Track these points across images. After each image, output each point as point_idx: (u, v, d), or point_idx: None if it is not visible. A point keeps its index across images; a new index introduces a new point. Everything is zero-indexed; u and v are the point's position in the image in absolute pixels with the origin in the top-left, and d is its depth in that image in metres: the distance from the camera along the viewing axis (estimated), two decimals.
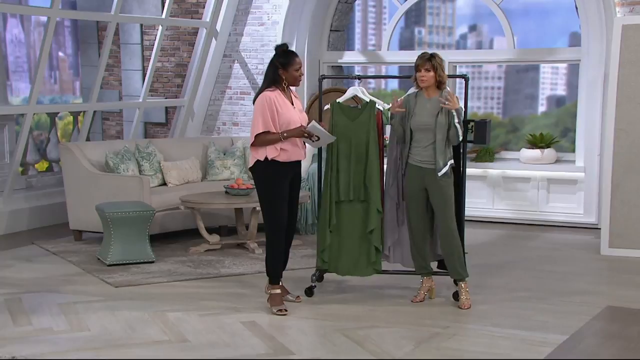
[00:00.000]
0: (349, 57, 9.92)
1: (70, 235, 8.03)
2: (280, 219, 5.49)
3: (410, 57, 9.73)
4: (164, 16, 9.44)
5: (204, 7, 9.83)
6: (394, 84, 11.67)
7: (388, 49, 9.68)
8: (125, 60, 10.55)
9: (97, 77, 8.98)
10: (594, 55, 8.38)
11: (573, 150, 8.92)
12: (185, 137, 9.80)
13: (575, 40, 9.28)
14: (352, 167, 5.82)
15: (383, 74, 10.78)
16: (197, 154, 8.75)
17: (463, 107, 5.63)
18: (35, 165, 9.65)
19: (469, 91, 5.96)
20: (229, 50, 9.88)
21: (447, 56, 9.04)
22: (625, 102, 7.29)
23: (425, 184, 5.60)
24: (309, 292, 5.91)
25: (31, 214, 8.58)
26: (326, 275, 6.27)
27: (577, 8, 8.55)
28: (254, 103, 5.46)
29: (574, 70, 9.30)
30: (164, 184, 8.31)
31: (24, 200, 8.61)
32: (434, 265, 5.94)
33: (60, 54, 12.57)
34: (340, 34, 10.12)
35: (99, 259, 7.04)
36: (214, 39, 9.77)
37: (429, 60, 5.52)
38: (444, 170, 5.51)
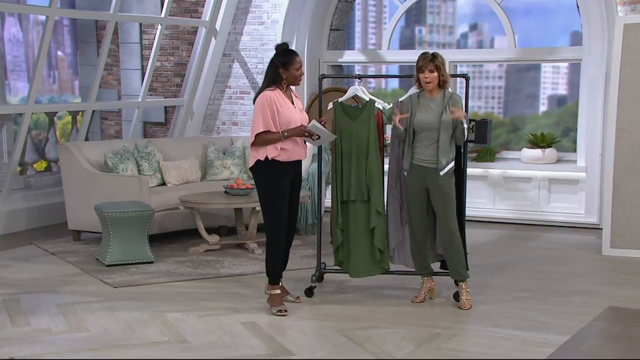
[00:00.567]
0: (349, 56, 9.90)
1: (69, 236, 8.01)
2: (281, 219, 5.46)
3: (411, 56, 9.75)
4: (163, 15, 9.41)
5: (203, 6, 9.81)
6: (394, 83, 11.65)
7: (388, 48, 9.66)
8: (124, 59, 10.52)
9: (96, 77, 8.96)
10: (595, 55, 8.35)
11: (574, 150, 8.90)
12: (185, 137, 9.77)
13: (576, 39, 9.25)
14: (353, 166, 5.80)
15: (383, 74, 10.76)
16: (196, 154, 8.73)
17: (463, 107, 5.60)
18: (34, 165, 9.63)
19: (470, 90, 5.94)
20: (228, 50, 9.86)
21: (448, 55, 9.01)
22: (626, 101, 7.27)
23: (427, 184, 5.58)
24: (309, 292, 5.88)
25: (29, 214, 8.55)
26: (326, 276, 6.25)
27: (578, 7, 8.53)
28: (254, 103, 5.44)
29: (575, 70, 9.28)
30: (163, 183, 8.28)
31: (22, 200, 8.58)
32: (435, 265, 5.92)
33: (59, 53, 12.54)
34: (341, 33, 10.09)
35: (97, 259, 7.01)
36: (213, 38, 9.74)
37: (432, 61, 5.50)
38: (446, 170, 5.49)
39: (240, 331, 5.10)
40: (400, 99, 5.95)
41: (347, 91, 6.25)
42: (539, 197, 8.76)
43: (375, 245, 5.78)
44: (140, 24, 10.34)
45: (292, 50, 5.52)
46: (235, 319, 5.33)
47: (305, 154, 5.59)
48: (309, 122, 5.47)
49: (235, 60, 9.85)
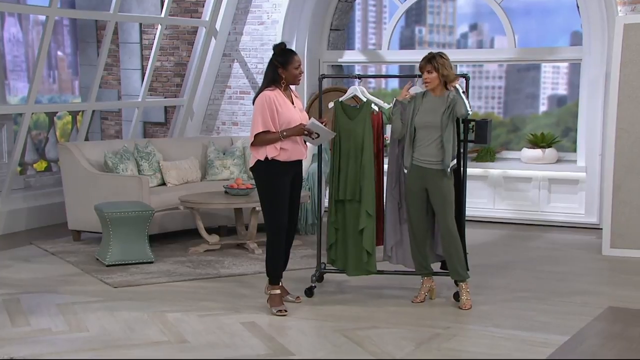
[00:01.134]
0: (349, 56, 9.90)
1: (69, 236, 8.01)
2: (281, 219, 5.46)
3: (411, 56, 9.78)
4: (163, 15, 9.41)
5: (203, 6, 9.81)
6: (394, 83, 11.65)
7: (388, 48, 9.66)
8: (124, 59, 10.52)
9: (96, 77, 8.96)
10: (595, 55, 8.35)
11: (574, 150, 8.90)
12: (185, 137, 9.77)
13: (576, 39, 9.25)
14: (350, 166, 5.80)
15: (383, 74, 10.76)
16: (196, 154, 8.73)
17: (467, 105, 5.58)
18: (34, 165, 9.62)
19: (470, 90, 5.94)
20: (228, 50, 9.86)
21: (448, 55, 9.00)
22: (626, 101, 7.26)
23: (426, 184, 5.58)
24: (309, 292, 5.88)
25: (29, 214, 8.55)
26: (326, 276, 6.25)
27: (578, 7, 8.53)
28: (253, 103, 5.44)
29: (575, 70, 9.28)
30: (163, 183, 8.28)
31: (22, 200, 8.58)
32: (435, 265, 5.91)
33: (59, 53, 12.54)
34: (341, 33, 10.09)
35: (97, 259, 7.01)
36: (213, 38, 9.74)
37: (430, 62, 5.51)
38: (451, 165, 5.48)
39: (240, 331, 5.09)
40: (400, 99, 5.96)
41: (347, 91, 6.25)
42: (539, 197, 8.75)
43: (363, 248, 5.77)
44: (140, 24, 10.34)
45: (291, 50, 5.51)
46: (235, 319, 5.33)
47: (305, 153, 5.59)
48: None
49: (235, 60, 9.85)
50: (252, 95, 9.19)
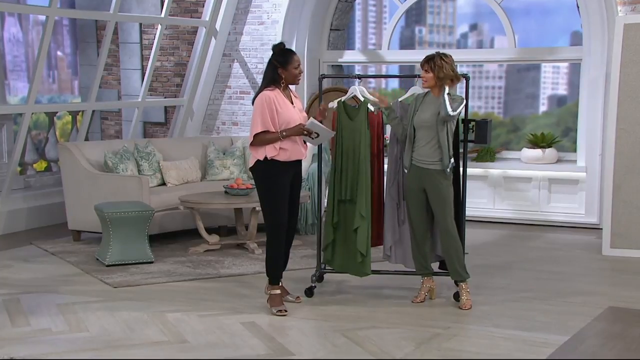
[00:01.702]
0: (349, 56, 9.90)
1: (69, 236, 8.00)
2: (281, 219, 5.46)
3: (411, 56, 9.78)
4: (163, 15, 9.41)
5: (203, 6, 9.81)
6: (394, 83, 11.64)
7: (388, 48, 9.66)
8: (124, 59, 10.52)
9: (96, 77, 8.96)
10: (595, 55, 8.35)
11: (574, 150, 8.90)
12: (185, 137, 9.77)
13: (576, 39, 9.25)
14: (349, 166, 5.80)
15: (383, 73, 10.76)
16: (196, 154, 8.72)
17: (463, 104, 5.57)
18: (34, 165, 9.61)
19: (470, 90, 5.94)
20: (228, 50, 9.86)
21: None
22: (627, 101, 7.26)
23: (424, 184, 5.58)
24: (309, 292, 5.88)
25: (29, 214, 8.55)
26: (326, 276, 6.25)
27: (578, 7, 8.53)
28: (253, 103, 5.44)
29: (575, 70, 9.28)
30: (163, 183, 8.28)
31: (22, 200, 8.58)
32: (435, 265, 5.91)
33: (59, 53, 12.53)
34: (341, 33, 10.09)
35: (97, 259, 7.01)
36: (213, 38, 9.74)
37: (428, 62, 5.52)
38: (450, 165, 5.48)
39: (240, 331, 5.09)
40: (400, 99, 5.96)
41: (347, 91, 6.25)
42: (539, 197, 8.75)
43: (357, 249, 5.77)
44: (140, 24, 10.34)
45: (290, 50, 5.50)
46: (235, 319, 5.33)
47: (305, 153, 5.59)
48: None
49: (235, 60, 9.84)
50: (252, 95, 9.18)
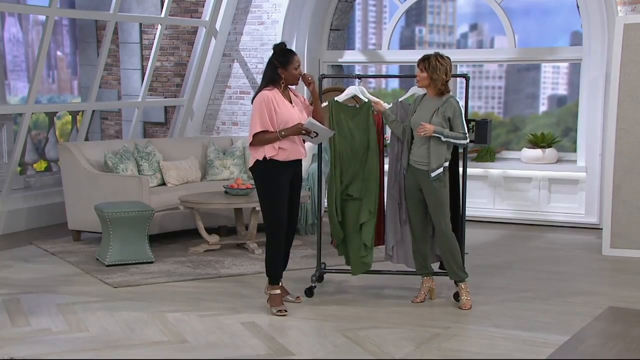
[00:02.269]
0: (349, 56, 9.90)
1: (69, 236, 8.00)
2: (281, 219, 5.46)
3: (411, 56, 9.77)
4: (163, 15, 9.41)
5: (203, 6, 9.80)
6: (394, 83, 11.65)
7: (388, 48, 9.65)
8: (124, 59, 10.52)
9: (96, 77, 8.96)
10: (595, 55, 8.35)
11: (574, 150, 8.90)
12: (185, 137, 9.77)
13: (576, 39, 9.26)
14: (351, 165, 5.80)
15: (383, 74, 10.76)
16: (196, 154, 8.72)
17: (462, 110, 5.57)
18: (34, 165, 9.61)
19: (470, 90, 5.94)
20: (228, 50, 9.86)
21: (448, 55, 8.99)
22: (627, 101, 7.26)
23: (420, 185, 5.58)
24: (309, 292, 5.88)
25: (29, 214, 8.55)
26: (326, 276, 6.25)
27: (578, 7, 8.53)
28: (252, 103, 5.44)
29: (575, 70, 9.28)
30: (163, 183, 8.28)
31: (22, 200, 8.58)
32: (435, 266, 5.91)
33: (59, 53, 12.53)
34: (341, 33, 10.09)
35: (97, 259, 7.01)
36: (213, 38, 9.74)
37: (423, 61, 5.51)
38: (435, 173, 5.48)
39: (240, 331, 5.09)
40: (400, 99, 5.97)
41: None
42: (539, 197, 8.75)
43: (362, 242, 5.79)
44: (140, 24, 10.34)
45: (291, 50, 5.50)
46: (235, 319, 5.33)
47: (304, 153, 5.58)
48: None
49: (235, 60, 9.84)
50: (252, 95, 9.19)
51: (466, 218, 5.97)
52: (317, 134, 5.41)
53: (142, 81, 9.78)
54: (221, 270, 6.74)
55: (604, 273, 6.79)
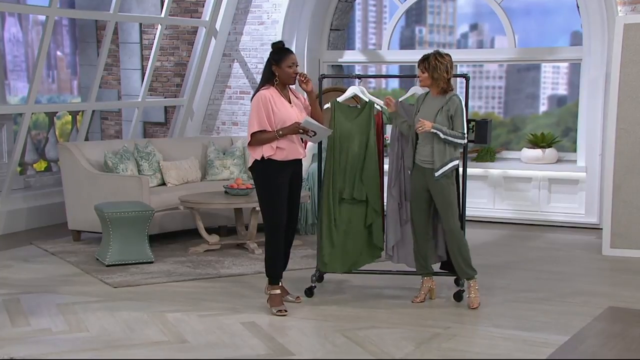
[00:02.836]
0: (349, 56, 9.90)
1: (69, 236, 8.00)
2: (279, 218, 5.45)
3: (411, 56, 9.77)
4: (163, 15, 9.41)
5: (203, 6, 9.80)
6: (394, 83, 11.65)
7: (388, 48, 9.65)
8: (124, 59, 10.52)
9: (96, 77, 8.96)
10: (595, 55, 8.35)
11: (574, 150, 8.90)
12: (185, 137, 9.77)
13: (576, 39, 9.25)
14: (351, 166, 5.79)
15: (383, 74, 10.76)
16: (196, 154, 8.72)
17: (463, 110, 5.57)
18: (34, 165, 9.61)
19: (470, 90, 5.94)
20: (228, 50, 9.86)
21: (448, 53, 8.99)
22: (627, 101, 7.26)
23: (427, 184, 5.58)
24: (309, 292, 5.88)
25: (29, 214, 8.55)
26: (326, 276, 6.24)
27: (578, 7, 8.53)
28: (251, 102, 5.45)
29: (575, 70, 9.28)
30: (163, 183, 8.28)
31: (22, 200, 8.58)
32: (436, 266, 5.91)
33: (59, 53, 12.53)
34: (341, 33, 10.09)
35: (97, 259, 7.01)
36: (213, 38, 9.74)
37: (423, 62, 5.51)
38: (441, 171, 5.48)
39: (240, 331, 5.09)
40: (400, 99, 5.97)
41: (346, 91, 6.24)
42: (539, 197, 8.75)
43: (369, 239, 5.81)
44: (140, 24, 10.34)
45: (286, 48, 5.46)
46: (235, 319, 5.33)
47: (303, 153, 5.56)
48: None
49: (235, 60, 9.84)
50: (252, 94, 9.19)
51: (466, 218, 5.98)
52: (315, 133, 5.40)
53: (142, 81, 9.78)
54: (221, 270, 6.74)
55: (604, 273, 6.79)
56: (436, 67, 5.45)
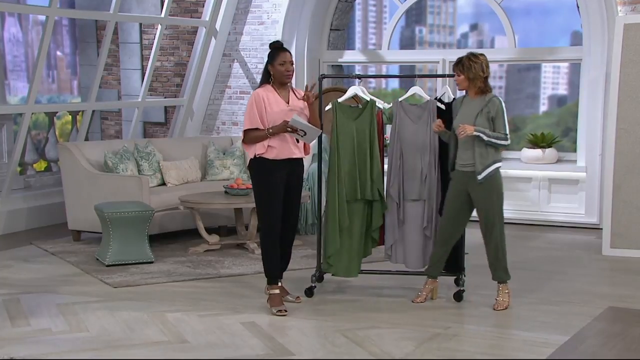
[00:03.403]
0: (349, 56, 9.89)
1: (69, 236, 8.00)
2: (272, 218, 5.45)
3: (411, 56, 9.78)
4: (163, 15, 9.41)
5: (203, 6, 9.81)
6: (394, 83, 11.65)
7: (388, 48, 9.65)
8: (124, 59, 10.52)
9: (96, 77, 8.96)
10: (595, 55, 8.35)
11: (574, 150, 8.90)
12: (185, 137, 9.77)
13: (576, 39, 9.26)
14: (355, 166, 5.79)
15: (383, 74, 10.76)
16: (196, 154, 8.72)
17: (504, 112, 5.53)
18: (34, 165, 9.61)
19: None
20: (228, 50, 9.86)
21: (448, 55, 9.02)
22: (627, 101, 7.26)
23: (467, 188, 5.52)
24: (309, 292, 5.88)
25: (29, 214, 8.55)
26: (326, 276, 6.24)
27: (578, 7, 8.53)
28: None
29: (575, 70, 9.28)
30: (163, 183, 8.28)
31: (22, 200, 8.58)
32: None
33: (59, 53, 12.53)
34: (341, 33, 10.09)
35: (97, 259, 7.01)
36: (213, 38, 9.74)
37: (457, 65, 5.46)
38: (483, 175, 5.43)
39: (240, 331, 5.09)
40: (400, 99, 5.96)
41: (347, 91, 6.24)
42: (539, 197, 8.75)
43: (368, 239, 5.85)
44: (140, 24, 10.34)
45: (280, 47, 5.46)
46: (235, 319, 5.33)
47: (299, 152, 5.53)
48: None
49: (235, 60, 9.85)
50: None
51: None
52: (306, 133, 5.38)
53: (142, 81, 9.78)
54: (221, 270, 6.74)
55: (604, 273, 6.79)
56: (471, 68, 5.40)
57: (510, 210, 8.84)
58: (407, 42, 11.23)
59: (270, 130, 5.34)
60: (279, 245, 5.55)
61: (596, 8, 8.24)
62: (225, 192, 7.53)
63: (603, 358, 4.67)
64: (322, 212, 6.21)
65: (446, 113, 5.77)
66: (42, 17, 8.60)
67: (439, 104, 5.83)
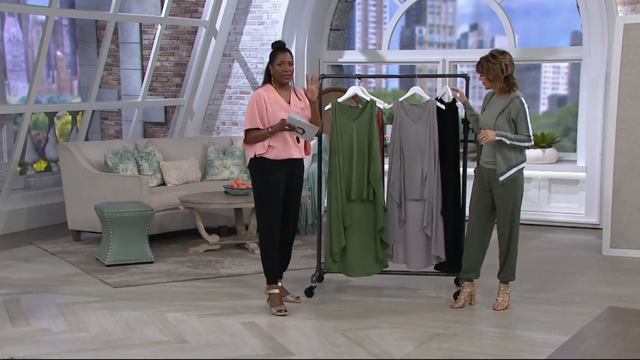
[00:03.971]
0: (349, 56, 9.89)
1: (69, 236, 8.00)
2: (271, 218, 5.45)
3: (411, 56, 9.78)
4: (163, 15, 9.41)
5: (203, 6, 9.81)
6: (394, 83, 11.66)
7: (388, 48, 9.65)
8: (124, 59, 10.52)
9: (96, 77, 8.96)
10: (595, 55, 8.35)
11: (574, 150, 8.90)
12: (185, 137, 9.77)
13: (576, 39, 9.26)
14: (356, 166, 5.79)
15: (383, 74, 10.76)
16: (196, 154, 8.72)
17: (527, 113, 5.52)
18: (34, 165, 9.61)
19: (470, 90, 5.94)
20: (228, 50, 9.86)
21: (448, 55, 9.02)
22: (627, 101, 7.26)
23: (491, 185, 5.51)
24: (309, 292, 5.88)
25: (29, 214, 8.55)
26: (326, 276, 6.24)
27: (578, 7, 8.53)
28: None
29: (575, 70, 9.29)
30: (163, 183, 8.28)
31: (22, 200, 8.58)
32: (432, 266, 5.90)
33: (59, 53, 12.53)
34: (341, 33, 10.09)
35: (97, 259, 7.01)
36: (213, 38, 9.74)
37: (478, 64, 5.45)
38: (506, 176, 5.41)
39: (240, 331, 5.09)
40: (400, 99, 5.96)
41: (346, 91, 6.24)
42: (539, 197, 8.75)
43: (377, 243, 5.80)
44: (140, 24, 10.34)
45: (280, 47, 5.46)
46: (235, 319, 5.33)
47: (300, 153, 5.54)
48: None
49: (235, 60, 9.84)
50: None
51: (466, 218, 5.97)
52: (304, 131, 5.37)
53: (142, 81, 9.78)
54: (221, 270, 6.74)
55: (603, 273, 6.79)
56: (489, 69, 5.38)
57: None
58: (407, 42, 11.24)
59: (269, 130, 5.35)
60: (278, 245, 5.55)
61: (596, 8, 8.24)
62: (225, 192, 7.53)
63: (603, 358, 4.67)
64: (323, 212, 6.21)
65: (446, 113, 5.78)
66: (42, 17, 8.61)
67: (439, 104, 5.84)
